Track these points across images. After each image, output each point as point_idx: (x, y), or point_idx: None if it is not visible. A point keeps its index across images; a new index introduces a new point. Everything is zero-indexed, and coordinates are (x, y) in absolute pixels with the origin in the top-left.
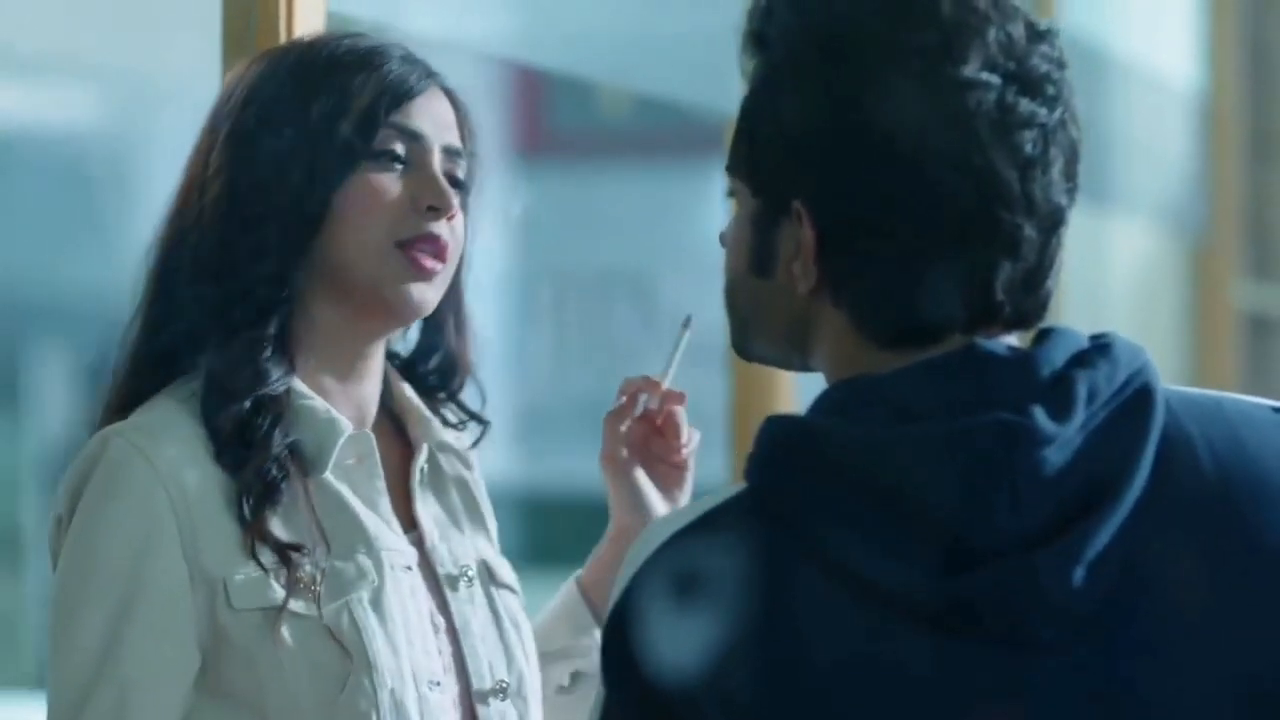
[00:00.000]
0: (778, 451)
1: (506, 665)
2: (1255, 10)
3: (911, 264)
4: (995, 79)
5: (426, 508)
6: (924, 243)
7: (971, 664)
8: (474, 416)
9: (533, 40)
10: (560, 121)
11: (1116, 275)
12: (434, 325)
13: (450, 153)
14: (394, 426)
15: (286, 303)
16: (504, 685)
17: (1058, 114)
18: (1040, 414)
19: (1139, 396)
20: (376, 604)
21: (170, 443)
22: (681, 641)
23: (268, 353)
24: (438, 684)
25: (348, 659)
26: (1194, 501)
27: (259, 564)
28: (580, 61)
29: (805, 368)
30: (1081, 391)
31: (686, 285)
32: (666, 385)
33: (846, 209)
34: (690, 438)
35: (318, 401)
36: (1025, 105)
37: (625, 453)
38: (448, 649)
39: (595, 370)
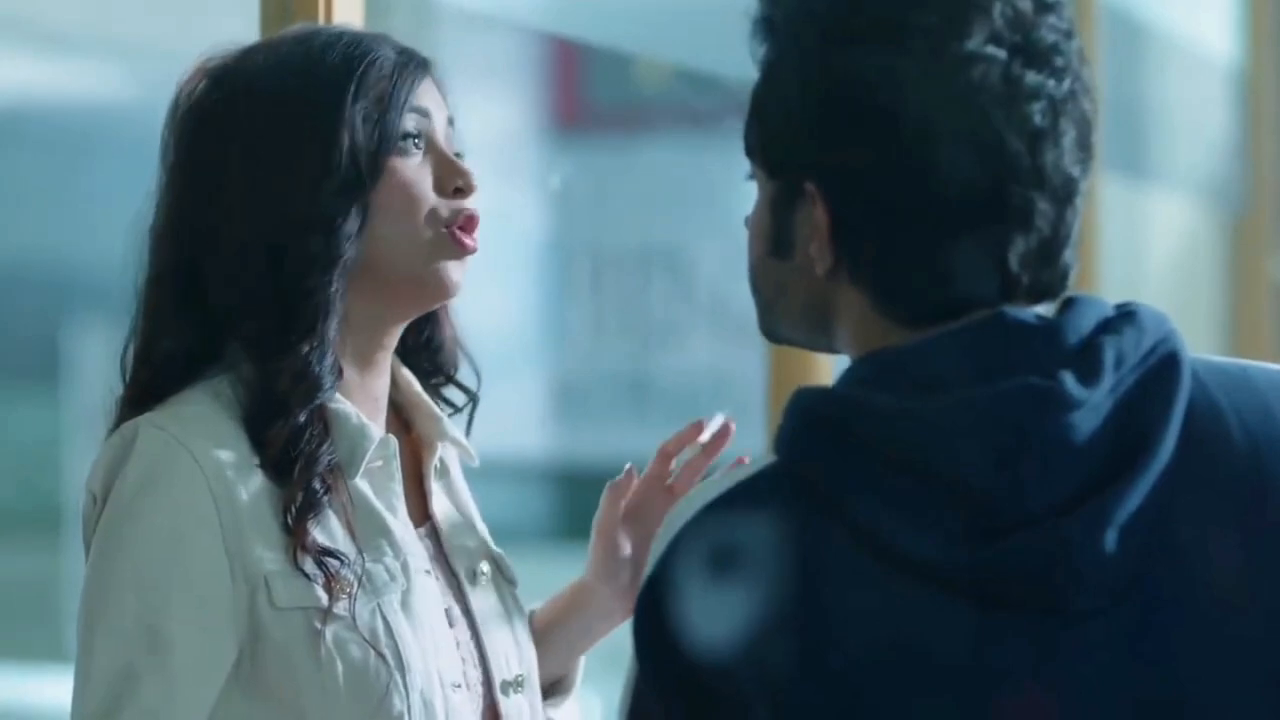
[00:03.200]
0: (806, 423)
1: (519, 658)
2: None
3: (925, 241)
4: (1000, 52)
5: (440, 504)
6: (936, 220)
7: (1003, 633)
8: (471, 395)
9: (570, 13)
10: (597, 94)
11: (1155, 249)
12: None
13: (450, 123)
14: (399, 420)
15: (337, 310)
16: (520, 678)
17: (1066, 84)
18: (1069, 379)
19: (1165, 363)
20: (406, 607)
21: (211, 439)
22: (715, 614)
23: (326, 363)
24: (459, 686)
25: (383, 662)
26: (1224, 470)
27: (301, 571)
28: (617, 34)
29: (831, 349)
30: (1109, 357)
31: (724, 259)
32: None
33: (857, 189)
34: None
35: (349, 407)
36: (1032, 77)
37: (619, 524)
38: (468, 644)
39: (632, 344)
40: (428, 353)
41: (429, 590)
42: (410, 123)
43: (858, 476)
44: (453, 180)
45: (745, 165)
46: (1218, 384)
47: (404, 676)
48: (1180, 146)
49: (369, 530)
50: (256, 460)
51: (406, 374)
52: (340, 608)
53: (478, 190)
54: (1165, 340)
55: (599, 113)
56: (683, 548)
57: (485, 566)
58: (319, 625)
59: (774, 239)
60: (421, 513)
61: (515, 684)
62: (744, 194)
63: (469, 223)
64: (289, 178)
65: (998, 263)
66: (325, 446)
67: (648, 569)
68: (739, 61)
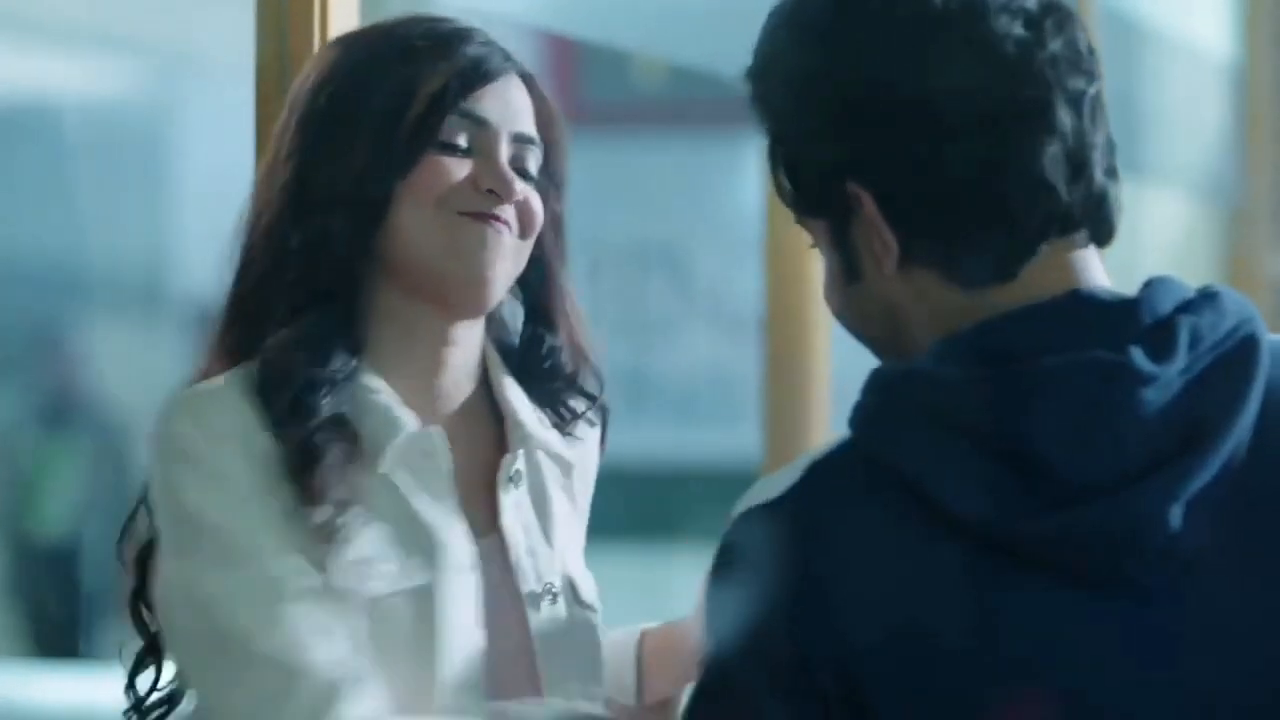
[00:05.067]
0: (878, 398)
1: (583, 685)
2: None
3: (968, 181)
4: None
5: (518, 514)
6: (970, 153)
7: (1068, 605)
8: (593, 401)
9: (567, 9)
10: (594, 92)
11: (1151, 244)
12: (535, 314)
13: (521, 140)
14: (496, 426)
15: (351, 290)
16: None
17: (1036, 3)
18: (1138, 354)
19: (1244, 345)
20: (417, 601)
21: (221, 410)
22: (780, 590)
23: (329, 338)
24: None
25: (428, 634)
26: None
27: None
28: (615, 31)
29: (917, 348)
30: (1183, 335)
31: (721, 256)
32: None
33: (892, 164)
34: None
35: (382, 396)
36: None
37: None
38: (524, 663)
39: (629, 341)
40: (537, 356)
41: (460, 589)
42: (455, 130)
43: (927, 449)
44: (485, 181)
45: (753, 158)
46: None
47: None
48: (1176, 142)
49: (395, 521)
50: (270, 428)
51: (507, 380)
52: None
53: (524, 199)
54: (1246, 323)
55: (596, 110)
56: (749, 514)
57: (556, 589)
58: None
59: (845, 268)
60: (489, 521)
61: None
62: (740, 190)
63: (490, 217)
64: (321, 156)
65: (1039, 174)
66: (327, 406)
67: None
68: (735, 59)
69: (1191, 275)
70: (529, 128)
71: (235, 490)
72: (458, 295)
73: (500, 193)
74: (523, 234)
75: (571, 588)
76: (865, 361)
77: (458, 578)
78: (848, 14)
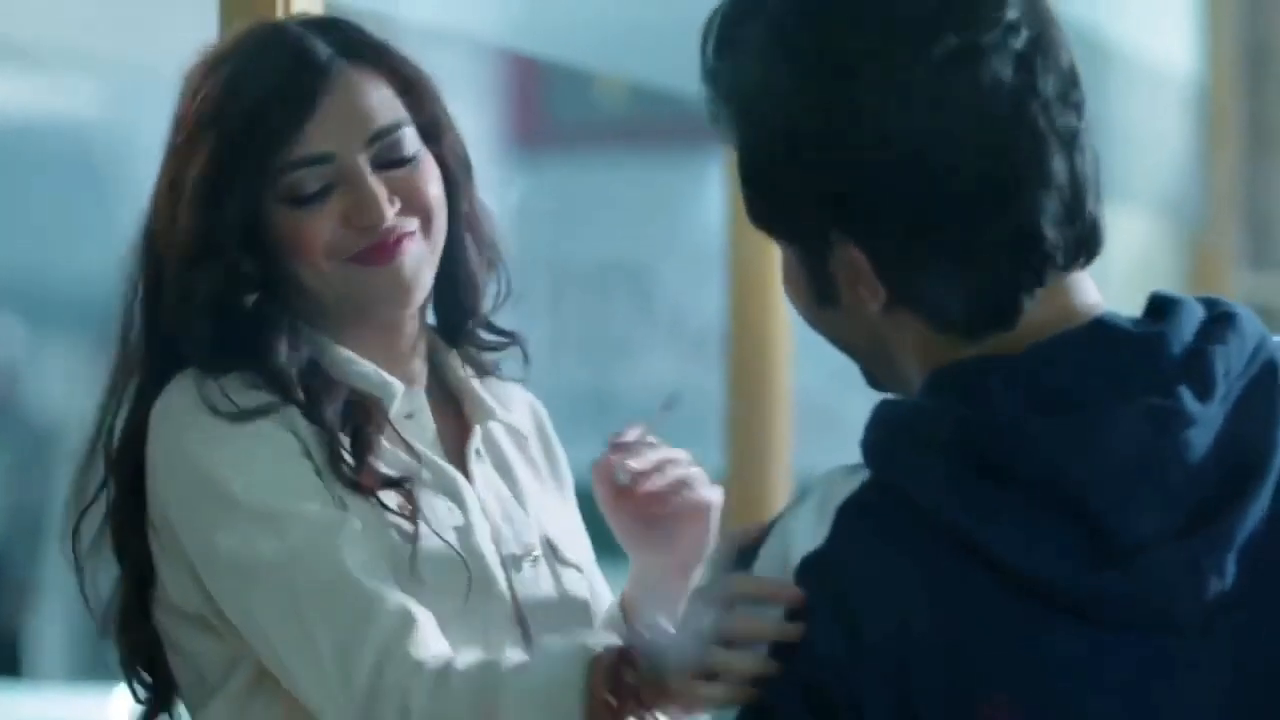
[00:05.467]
0: (907, 439)
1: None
2: (1253, 2)
3: (962, 242)
4: (957, 39)
5: (488, 484)
6: (965, 215)
7: (1111, 647)
8: (508, 337)
9: (530, 29)
10: (557, 111)
11: (1115, 266)
12: (448, 271)
13: (379, 135)
14: (452, 406)
15: (275, 325)
16: None
17: (1024, 36)
18: (1187, 395)
19: (1267, 372)
20: (463, 542)
21: (231, 390)
22: (832, 646)
23: (280, 369)
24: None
25: (466, 572)
26: None
27: (380, 503)
28: (577, 51)
29: (898, 382)
30: (1219, 370)
31: (684, 276)
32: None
33: (882, 221)
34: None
35: (367, 365)
36: (988, 40)
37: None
38: (510, 624)
39: (592, 361)
40: (445, 308)
41: (486, 532)
42: (299, 184)
43: (969, 493)
44: (356, 218)
45: (716, 177)
46: None
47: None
48: (1140, 162)
49: (417, 466)
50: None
51: (453, 361)
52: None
53: (385, 222)
54: (1262, 345)
55: (559, 129)
56: (796, 576)
57: (536, 552)
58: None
59: (816, 292)
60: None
61: None
62: (704, 210)
63: (378, 251)
64: (200, 196)
65: (1035, 232)
66: (329, 399)
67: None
68: (698, 79)
69: None
70: (383, 117)
71: (265, 457)
72: (378, 318)
73: (373, 222)
74: (424, 221)
75: (551, 548)
76: (828, 381)
77: (481, 520)
78: (836, 58)
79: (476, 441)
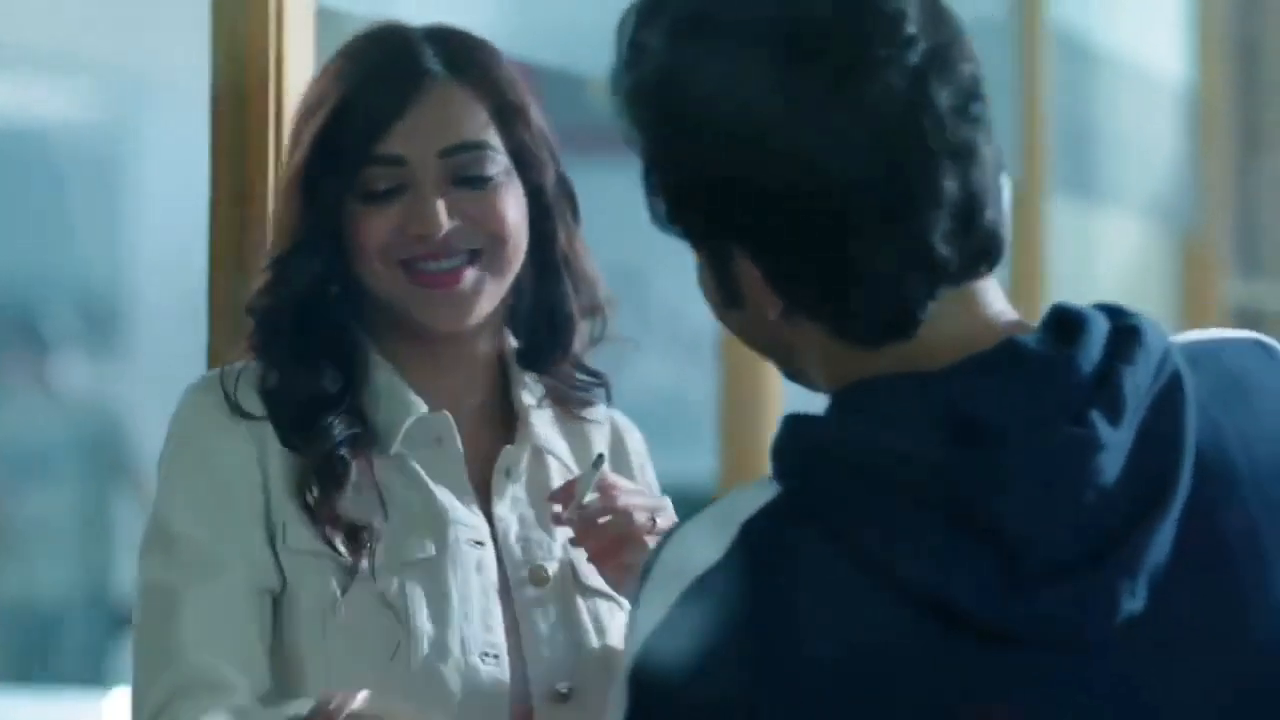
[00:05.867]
0: (821, 461)
1: (570, 672)
2: (1244, 5)
3: (852, 259)
4: (844, 54)
5: (513, 505)
6: (855, 234)
7: (1026, 671)
8: (594, 377)
9: (523, 33)
10: (551, 116)
11: (1106, 270)
12: (539, 287)
13: (455, 151)
14: (506, 429)
15: (330, 315)
16: (563, 692)
17: (921, 50)
18: (1100, 421)
19: (1172, 386)
20: (430, 575)
21: (247, 400)
22: (728, 664)
23: (326, 354)
24: (495, 656)
25: (398, 627)
26: (1231, 498)
27: (327, 541)
28: (571, 55)
29: (811, 383)
30: (1129, 391)
31: (678, 280)
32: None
33: (772, 236)
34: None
35: (394, 383)
36: (882, 54)
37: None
38: (512, 636)
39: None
40: (524, 346)
41: (473, 562)
42: (372, 180)
43: (884, 519)
44: (411, 225)
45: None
46: (1214, 398)
47: (411, 643)
48: (1131, 167)
49: (407, 500)
50: (280, 438)
51: (523, 386)
52: (362, 568)
53: (438, 235)
54: (1166, 359)
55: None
56: (691, 590)
57: (547, 574)
58: (334, 581)
59: (723, 292)
60: (488, 511)
61: (559, 696)
62: None
63: (433, 278)
64: (283, 203)
65: (925, 250)
66: (340, 426)
67: (649, 614)
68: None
69: (1147, 301)
70: (464, 133)
71: (213, 477)
72: (430, 334)
73: (425, 234)
74: (492, 245)
75: (572, 573)
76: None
77: (472, 551)
78: (726, 68)
79: (506, 462)
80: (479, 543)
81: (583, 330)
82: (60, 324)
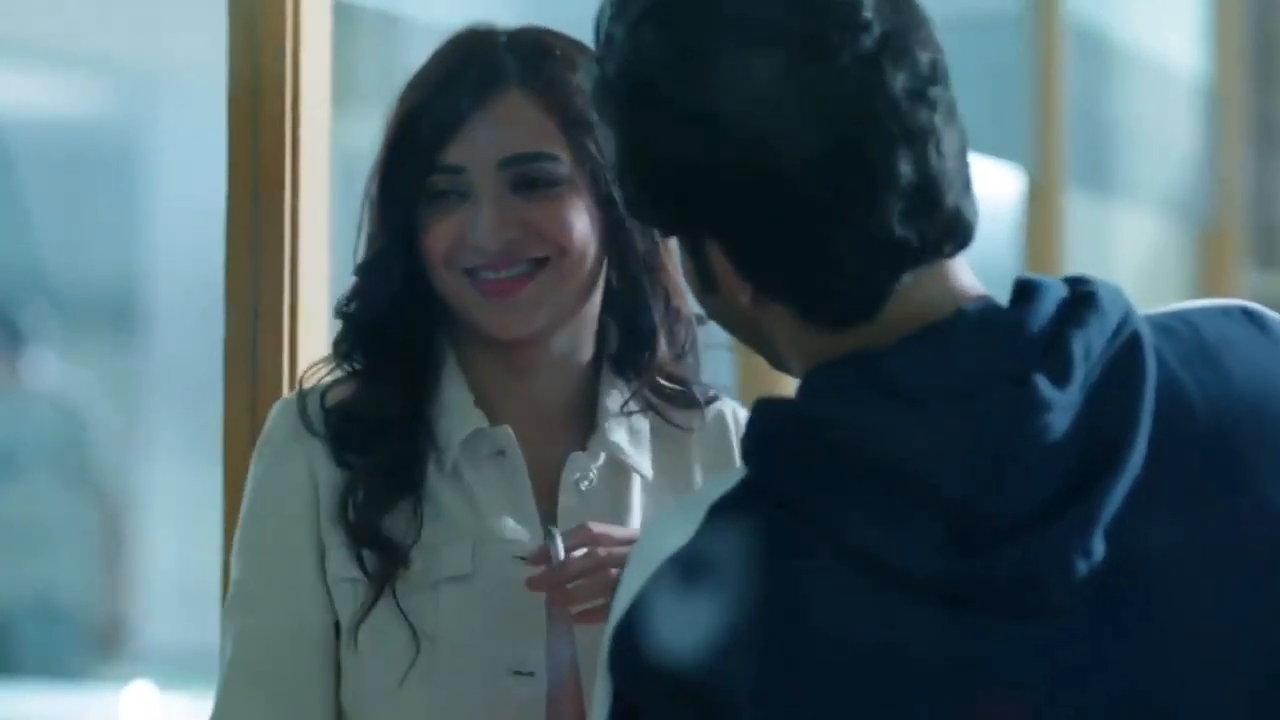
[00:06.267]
0: (779, 439)
1: None
2: None
3: (813, 242)
4: (797, 40)
5: (574, 513)
6: (813, 216)
7: (977, 634)
8: (681, 385)
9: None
10: None
11: (1122, 263)
12: (622, 302)
13: (516, 161)
14: (591, 431)
15: (413, 321)
16: None
17: (875, 34)
18: (1043, 382)
19: (1130, 347)
20: (463, 592)
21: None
22: (695, 633)
23: (391, 375)
24: (530, 674)
25: (414, 644)
26: (1195, 455)
27: (359, 562)
28: None
29: (785, 367)
30: (1078, 352)
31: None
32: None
33: (734, 223)
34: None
35: (461, 393)
36: (835, 40)
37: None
38: (565, 652)
39: None
40: (617, 356)
41: (516, 578)
42: (438, 183)
43: (834, 489)
44: (470, 235)
45: None
46: (1176, 356)
47: (436, 660)
48: (1147, 161)
49: (451, 514)
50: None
51: (613, 383)
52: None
53: (494, 248)
54: (1126, 321)
55: None
56: (662, 570)
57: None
58: (362, 599)
59: (699, 277)
60: (550, 520)
61: None
62: None
63: (493, 286)
64: (368, 211)
65: (884, 233)
66: (397, 438)
67: (624, 596)
68: None
69: (1163, 295)
70: (524, 144)
71: (264, 510)
72: (496, 341)
73: (478, 243)
74: (557, 254)
75: None
76: None
77: (511, 566)
78: (684, 56)
79: (574, 470)
80: (522, 558)
81: (679, 339)
82: (36, 320)
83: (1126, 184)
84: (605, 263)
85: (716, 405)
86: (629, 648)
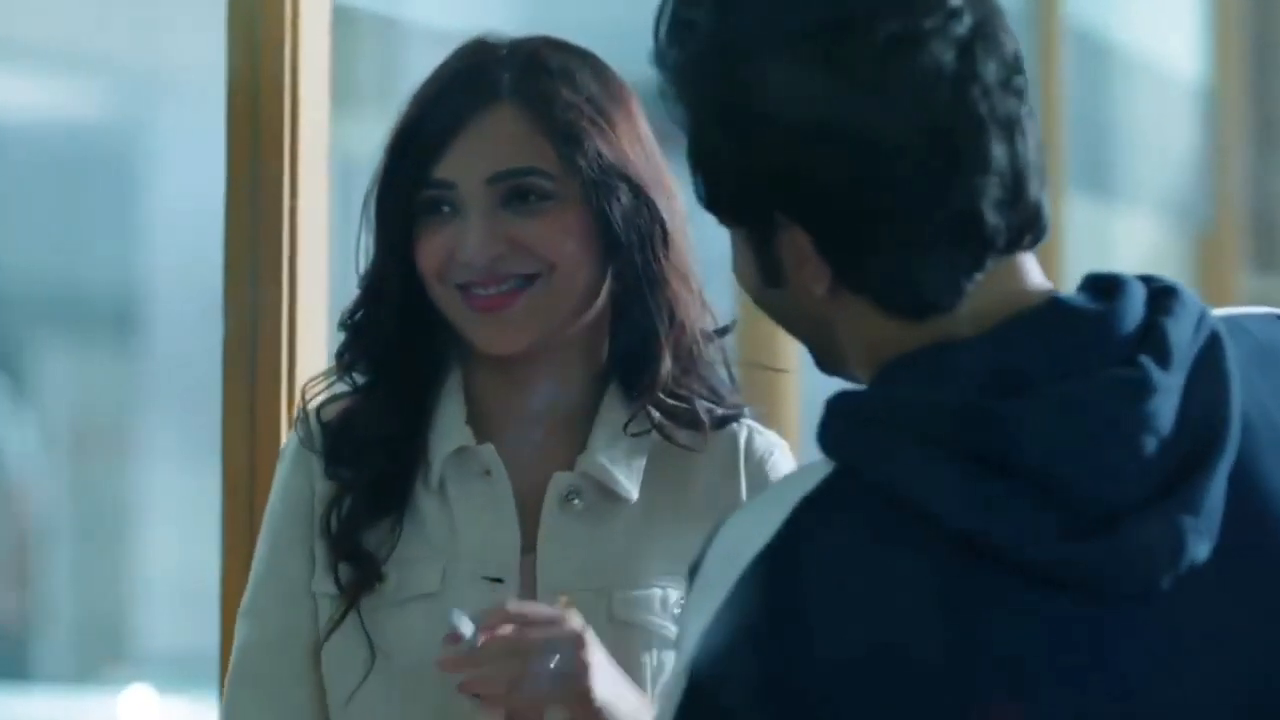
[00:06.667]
0: (870, 428)
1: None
2: (1259, 2)
3: (904, 226)
4: (895, 25)
5: (561, 533)
6: (906, 201)
7: (1099, 621)
8: (684, 403)
9: (537, 30)
10: None
11: (1121, 265)
12: (625, 318)
13: (504, 177)
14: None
15: (415, 335)
16: None
17: (968, 22)
18: (1151, 365)
19: (1213, 343)
20: (429, 611)
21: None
22: (795, 636)
23: (391, 388)
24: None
25: (369, 661)
26: (1273, 454)
27: (332, 570)
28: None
29: (843, 368)
30: (1176, 339)
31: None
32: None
33: (825, 204)
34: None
35: (456, 408)
36: (932, 24)
37: None
38: None
39: None
40: (630, 360)
41: (483, 600)
42: (433, 196)
43: (937, 476)
44: (458, 251)
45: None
46: (1251, 362)
47: (391, 677)
48: (1146, 163)
49: (436, 531)
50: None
51: (610, 409)
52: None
53: (479, 265)
54: (1204, 318)
55: None
56: (753, 568)
57: (583, 601)
58: (333, 615)
59: (764, 272)
60: (533, 540)
61: None
62: (706, 214)
63: (482, 302)
64: (366, 218)
65: (976, 220)
66: (385, 452)
67: (709, 596)
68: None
69: None
70: (513, 159)
71: (273, 525)
72: (487, 355)
73: (465, 259)
74: (548, 271)
75: (607, 606)
76: (836, 380)
77: (482, 585)
78: (780, 39)
79: (556, 490)
80: (495, 580)
81: (684, 355)
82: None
83: (1125, 186)
84: (608, 278)
85: (731, 427)
86: (711, 660)
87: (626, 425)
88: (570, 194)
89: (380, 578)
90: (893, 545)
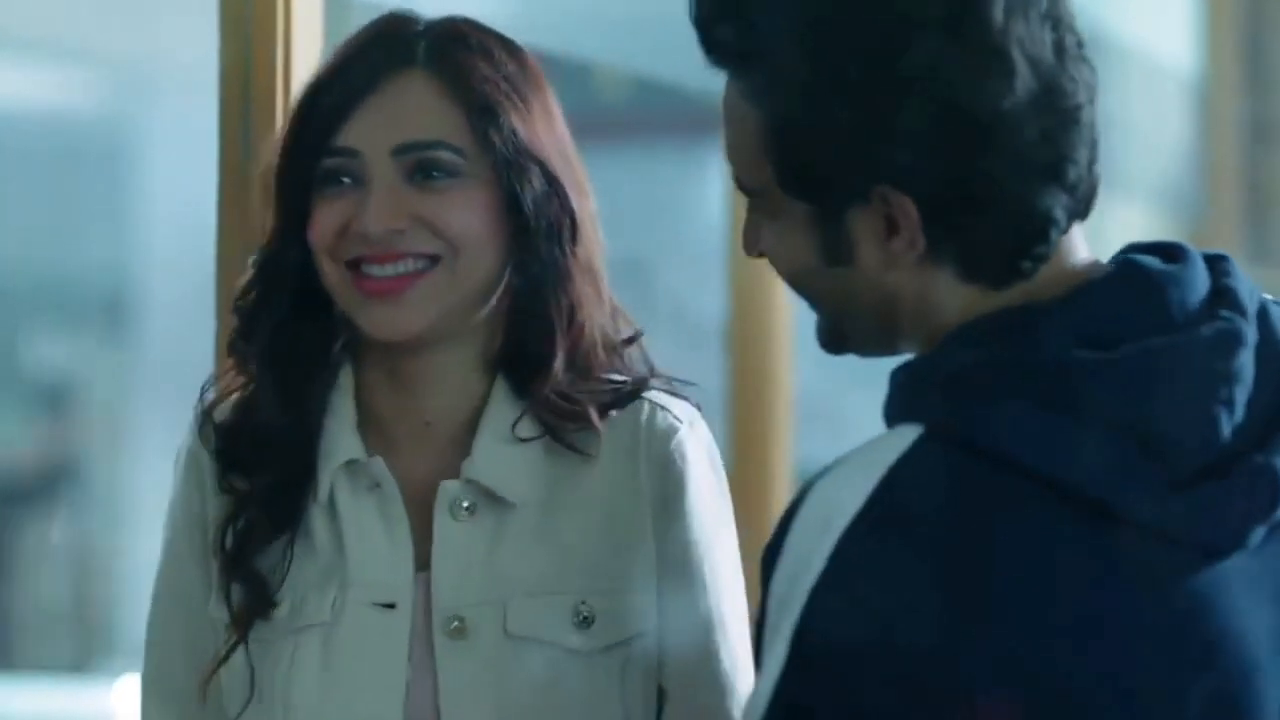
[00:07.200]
0: (960, 388)
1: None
2: None
3: (1012, 193)
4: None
5: (449, 547)
6: (1015, 164)
7: (1194, 568)
8: (575, 405)
9: (530, 21)
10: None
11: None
12: (523, 309)
13: (410, 149)
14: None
15: (310, 322)
16: None
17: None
18: (1239, 319)
19: (1265, 311)
20: (323, 641)
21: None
22: (902, 600)
23: (284, 381)
24: None
25: (266, 693)
26: None
27: (225, 594)
28: (577, 43)
29: (894, 345)
30: (1246, 300)
31: (685, 270)
32: None
33: (947, 172)
34: None
35: (345, 412)
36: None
37: None
38: (429, 700)
39: None
40: (525, 358)
41: (378, 628)
42: (334, 165)
43: (1045, 433)
44: (355, 222)
45: (717, 171)
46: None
47: (281, 714)
48: (1140, 156)
49: (325, 552)
50: (216, 481)
51: (504, 400)
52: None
53: (376, 239)
54: (1252, 286)
55: None
56: (852, 531)
57: (467, 619)
58: (223, 642)
59: (826, 250)
60: (426, 555)
61: None
62: (704, 204)
63: (375, 284)
64: (266, 195)
65: (1077, 183)
66: (282, 461)
67: (805, 562)
68: (699, 72)
69: None
70: (421, 131)
71: (167, 547)
72: (377, 340)
73: (363, 229)
74: (450, 252)
75: (502, 621)
76: (829, 374)
77: (379, 617)
78: (891, 9)
79: (445, 499)
80: (387, 605)
81: (579, 358)
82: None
83: (1119, 179)
84: (508, 269)
85: (632, 405)
86: (830, 613)
87: (514, 426)
88: (480, 173)
89: (273, 604)
90: (995, 501)
